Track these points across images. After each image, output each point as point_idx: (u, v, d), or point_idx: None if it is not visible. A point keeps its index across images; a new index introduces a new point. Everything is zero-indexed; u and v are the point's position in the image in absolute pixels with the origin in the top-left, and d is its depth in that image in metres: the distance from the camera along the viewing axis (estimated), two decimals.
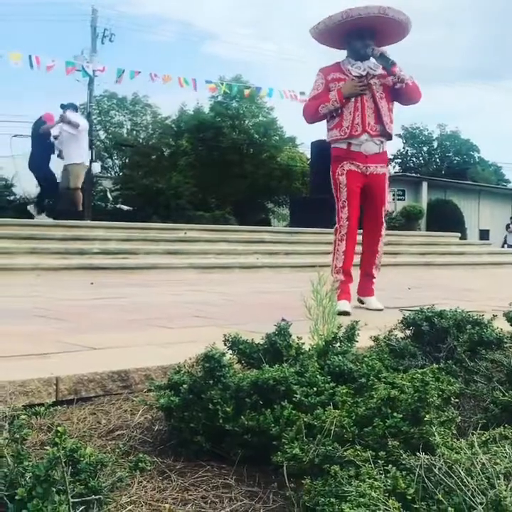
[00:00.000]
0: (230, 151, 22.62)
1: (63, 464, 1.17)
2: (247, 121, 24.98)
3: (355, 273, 5.13)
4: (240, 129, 24.15)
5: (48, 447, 1.19)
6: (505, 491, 1.22)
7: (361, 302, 5.10)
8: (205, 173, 22.32)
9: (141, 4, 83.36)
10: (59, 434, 1.19)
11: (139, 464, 1.40)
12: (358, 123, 4.92)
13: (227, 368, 1.94)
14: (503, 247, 25.27)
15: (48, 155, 12.71)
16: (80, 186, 12.47)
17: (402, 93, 5.00)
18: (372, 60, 5.01)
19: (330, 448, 1.53)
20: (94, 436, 1.97)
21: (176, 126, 26.63)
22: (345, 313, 4.32)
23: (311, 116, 5.08)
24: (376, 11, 4.83)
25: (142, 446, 1.90)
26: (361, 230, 5.24)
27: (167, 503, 1.55)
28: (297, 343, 2.22)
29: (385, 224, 5.17)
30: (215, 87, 20.63)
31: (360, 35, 4.96)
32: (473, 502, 1.24)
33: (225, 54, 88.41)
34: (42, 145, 12.56)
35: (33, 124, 13.27)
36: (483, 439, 1.54)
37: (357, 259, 5.19)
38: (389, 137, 5.05)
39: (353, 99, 4.91)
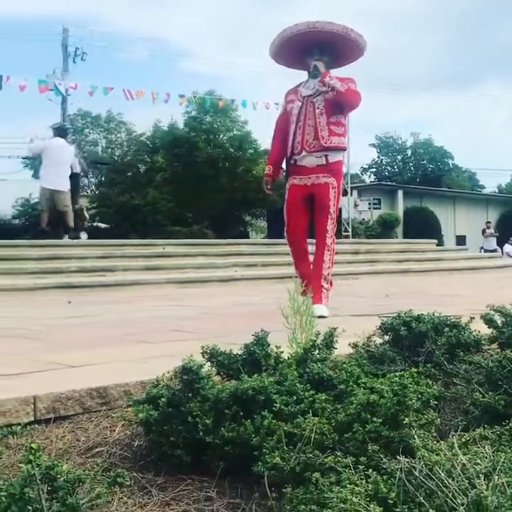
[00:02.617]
0: (205, 165, 22.63)
1: (39, 482, 1.14)
2: (221, 136, 25.01)
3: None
4: (215, 143, 24.18)
5: (22, 465, 1.17)
6: (486, 490, 1.22)
7: None
8: (181, 188, 22.29)
9: (112, 22, 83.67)
10: (33, 451, 1.17)
11: (118, 479, 1.38)
12: (298, 141, 5.18)
13: (205, 380, 1.92)
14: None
15: None
16: (44, 207, 12.50)
17: (338, 101, 5.14)
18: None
19: (310, 455, 1.52)
20: (73, 453, 1.95)
21: (150, 142, 26.60)
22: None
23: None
24: (336, 28, 5.03)
25: (122, 463, 1.88)
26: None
27: None
28: (276, 352, 2.21)
29: (330, 233, 5.23)
30: (186, 99, 20.66)
31: (310, 52, 5.16)
32: (455, 503, 1.24)
33: (199, 70, 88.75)
34: None
35: None
36: (463, 440, 1.54)
37: None
38: (326, 149, 5.16)
39: (295, 119, 5.18)
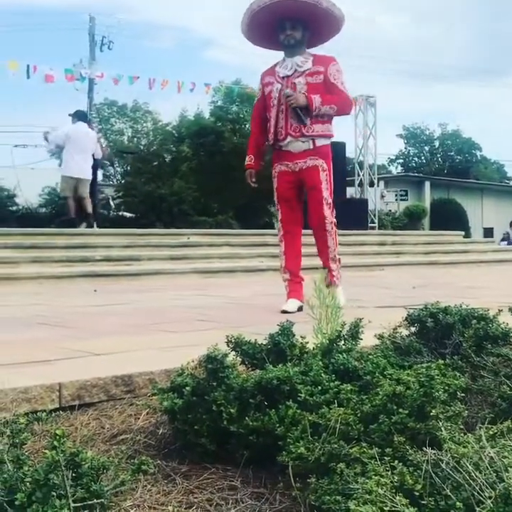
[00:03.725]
0: (231, 155, 22.58)
1: (63, 468, 1.14)
2: (247, 126, 24.93)
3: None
4: (241, 133, 24.12)
5: (47, 451, 1.17)
6: None
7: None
8: (206, 178, 22.29)
9: (138, 11, 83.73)
10: (58, 437, 1.17)
11: (142, 466, 1.38)
12: (281, 127, 4.88)
13: (230, 369, 1.92)
14: (499, 244, 25.19)
15: None
16: (65, 195, 12.39)
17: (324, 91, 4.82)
18: (300, 56, 4.83)
19: (335, 446, 1.51)
20: (97, 441, 1.95)
21: (176, 132, 26.63)
22: (284, 312, 4.47)
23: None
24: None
25: (146, 450, 1.88)
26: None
27: (171, 505, 1.53)
28: (301, 343, 2.20)
29: (329, 219, 4.89)
30: (212, 89, 20.65)
31: (282, 26, 4.80)
32: (482, 496, 1.22)
33: (225, 59, 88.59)
34: None
35: None
36: (491, 433, 1.51)
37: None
38: (308, 137, 4.84)
39: (276, 102, 4.86)
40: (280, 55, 4.98)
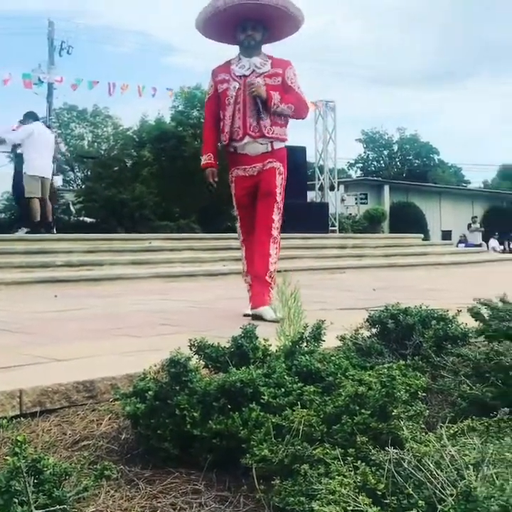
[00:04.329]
0: (192, 160, 22.48)
1: (25, 474, 1.13)
2: None
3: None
4: (202, 137, 24.13)
5: (8, 457, 1.16)
6: (475, 481, 1.22)
7: (256, 316, 4.39)
8: (168, 182, 22.20)
9: (98, 16, 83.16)
10: (19, 443, 1.15)
11: (105, 472, 1.37)
12: (238, 126, 4.69)
13: (193, 373, 1.91)
14: (457, 246, 25.62)
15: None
16: (30, 197, 11.95)
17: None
18: (258, 58, 4.70)
19: (299, 447, 1.52)
20: (59, 447, 1.93)
21: (137, 136, 26.45)
22: (248, 316, 4.46)
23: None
24: (265, 1, 4.51)
25: (109, 456, 1.87)
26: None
27: (135, 511, 1.52)
28: (264, 345, 2.21)
29: (276, 224, 4.70)
30: (173, 93, 20.58)
31: (243, 27, 4.69)
32: (444, 494, 1.23)
33: (186, 64, 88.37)
34: None
35: None
36: (452, 431, 1.54)
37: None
38: (269, 139, 4.70)
39: (232, 101, 4.69)
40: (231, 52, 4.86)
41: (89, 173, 28.61)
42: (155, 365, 2.18)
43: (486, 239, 28.39)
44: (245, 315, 4.54)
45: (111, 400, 2.28)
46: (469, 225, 27.56)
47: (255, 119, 4.66)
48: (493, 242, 29.94)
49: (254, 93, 4.60)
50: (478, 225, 27.24)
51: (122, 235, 13.39)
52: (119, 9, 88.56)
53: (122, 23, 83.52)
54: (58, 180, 15.45)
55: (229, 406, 1.82)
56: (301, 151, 16.53)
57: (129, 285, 8.70)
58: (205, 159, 4.89)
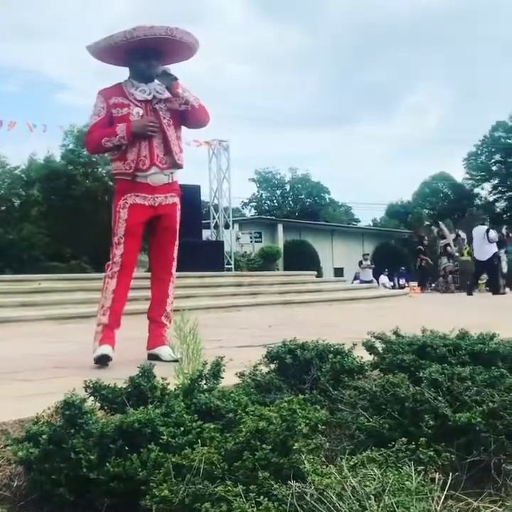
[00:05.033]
0: (84, 199, 22.19)
1: None
2: (100, 169, 24.65)
3: (137, 322, 4.58)
4: (94, 176, 23.76)
5: None
6: (377, 511, 1.23)
7: (154, 357, 4.28)
8: (59, 222, 21.76)
9: None
10: None
11: None
12: (145, 155, 4.41)
13: (89, 415, 1.86)
14: (352, 283, 26.32)
15: None
16: None
17: (188, 116, 4.55)
18: (157, 82, 4.53)
19: (200, 486, 1.49)
20: None
21: (25, 175, 25.88)
22: (106, 358, 4.08)
23: (94, 147, 4.66)
24: (163, 33, 4.36)
25: (1, 504, 1.77)
26: (149, 272, 4.79)
27: None
28: (162, 384, 2.17)
29: (175, 263, 4.59)
30: (63, 131, 20.31)
31: (145, 55, 4.48)
32: None
33: (76, 102, 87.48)
34: None
35: None
36: (352, 463, 1.55)
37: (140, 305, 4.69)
38: (179, 167, 4.57)
39: None
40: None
41: None
42: (48, 409, 2.10)
43: (376, 275, 29.24)
44: (97, 359, 4.14)
45: (1, 446, 2.17)
46: (361, 262, 28.33)
47: (161, 146, 4.46)
48: (384, 279, 30.88)
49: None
50: (369, 262, 28.04)
51: (9, 276, 12.99)
52: (4, 47, 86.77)
53: (10, 61, 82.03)
54: None
55: (127, 447, 1.77)
56: (195, 189, 16.62)
57: (19, 328, 8.39)
58: (121, 128, 4.36)
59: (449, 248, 22.09)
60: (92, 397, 2.09)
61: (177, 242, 4.60)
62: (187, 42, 4.55)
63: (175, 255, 4.58)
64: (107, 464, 1.72)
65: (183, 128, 4.68)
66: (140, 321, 4.55)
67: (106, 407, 2.14)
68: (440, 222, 25.71)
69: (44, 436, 1.80)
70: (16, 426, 2.32)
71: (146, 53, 4.48)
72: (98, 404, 2.10)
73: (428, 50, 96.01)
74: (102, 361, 4.09)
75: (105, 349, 4.18)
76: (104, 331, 4.34)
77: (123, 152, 4.43)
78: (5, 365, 4.39)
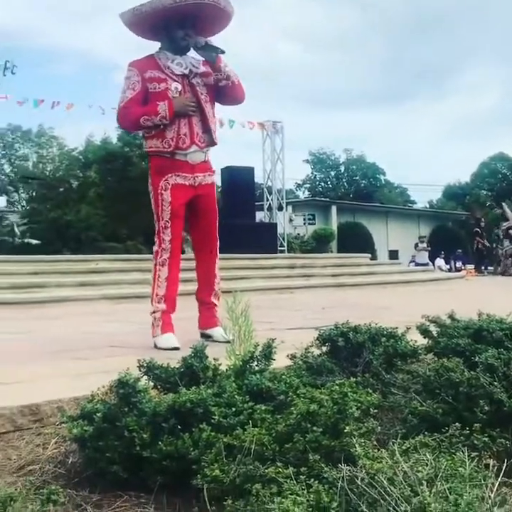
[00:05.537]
0: (139, 180, 22.39)
1: None
2: None
3: (188, 302, 4.49)
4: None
5: None
6: (429, 496, 1.22)
7: (206, 336, 4.32)
8: (115, 203, 22.05)
9: (44, 36, 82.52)
10: None
11: (51, 496, 1.33)
12: (185, 134, 4.25)
13: (142, 394, 1.88)
14: (409, 265, 26.00)
15: None
16: None
17: (225, 92, 4.38)
18: (190, 55, 4.34)
19: (251, 467, 1.50)
20: (3, 472, 1.87)
21: (83, 157, 26.27)
22: (176, 349, 3.91)
23: (130, 125, 4.52)
24: None
25: (56, 480, 1.81)
26: (193, 252, 4.66)
27: None
28: (214, 365, 2.18)
29: (218, 242, 4.51)
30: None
31: (182, 24, 4.26)
32: (398, 511, 1.23)
33: None
34: None
35: None
36: (404, 448, 1.53)
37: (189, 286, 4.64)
38: (215, 145, 4.43)
39: None
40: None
41: (34, 194, 28.28)
42: (103, 387, 2.13)
43: (432, 258, 28.85)
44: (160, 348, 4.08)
45: (57, 423, 2.22)
46: (416, 245, 27.96)
47: (199, 123, 4.31)
48: (440, 261, 30.44)
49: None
50: (425, 245, 27.65)
51: (68, 257, 13.23)
52: (62, 29, 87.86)
53: (66, 42, 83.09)
54: (2, 201, 15.29)
55: (179, 427, 1.79)
56: (249, 171, 16.61)
57: (76, 307, 8.57)
58: (162, 108, 4.19)
59: (511, 231, 21.57)
60: (145, 377, 2.12)
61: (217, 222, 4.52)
62: (228, 11, 4.32)
63: (217, 235, 4.51)
64: (160, 443, 1.74)
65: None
66: (189, 302, 4.57)
67: (159, 387, 2.17)
68: (503, 204, 24.98)
69: (98, 414, 1.83)
70: (72, 403, 2.37)
71: (183, 22, 4.27)
72: (151, 384, 2.12)
73: (485, 28, 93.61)
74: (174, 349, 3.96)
75: (173, 340, 4.11)
76: (163, 317, 4.27)
77: (161, 130, 4.26)
78: (64, 343, 4.49)
